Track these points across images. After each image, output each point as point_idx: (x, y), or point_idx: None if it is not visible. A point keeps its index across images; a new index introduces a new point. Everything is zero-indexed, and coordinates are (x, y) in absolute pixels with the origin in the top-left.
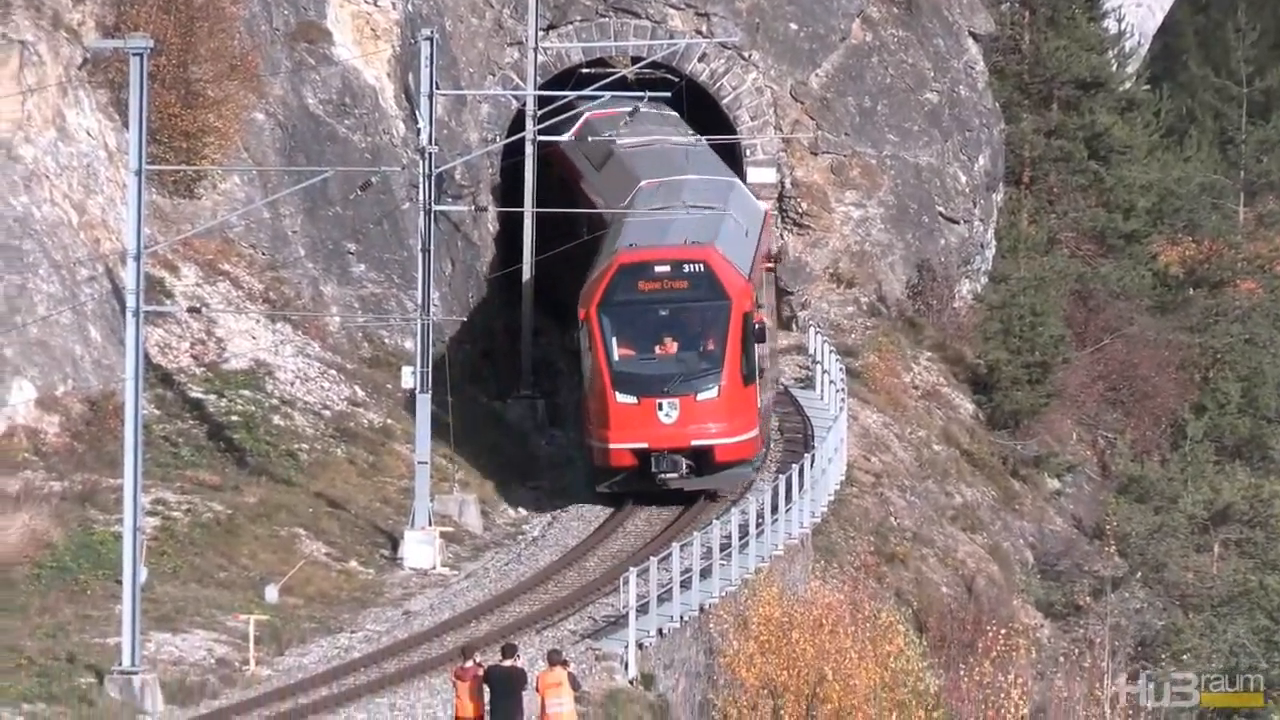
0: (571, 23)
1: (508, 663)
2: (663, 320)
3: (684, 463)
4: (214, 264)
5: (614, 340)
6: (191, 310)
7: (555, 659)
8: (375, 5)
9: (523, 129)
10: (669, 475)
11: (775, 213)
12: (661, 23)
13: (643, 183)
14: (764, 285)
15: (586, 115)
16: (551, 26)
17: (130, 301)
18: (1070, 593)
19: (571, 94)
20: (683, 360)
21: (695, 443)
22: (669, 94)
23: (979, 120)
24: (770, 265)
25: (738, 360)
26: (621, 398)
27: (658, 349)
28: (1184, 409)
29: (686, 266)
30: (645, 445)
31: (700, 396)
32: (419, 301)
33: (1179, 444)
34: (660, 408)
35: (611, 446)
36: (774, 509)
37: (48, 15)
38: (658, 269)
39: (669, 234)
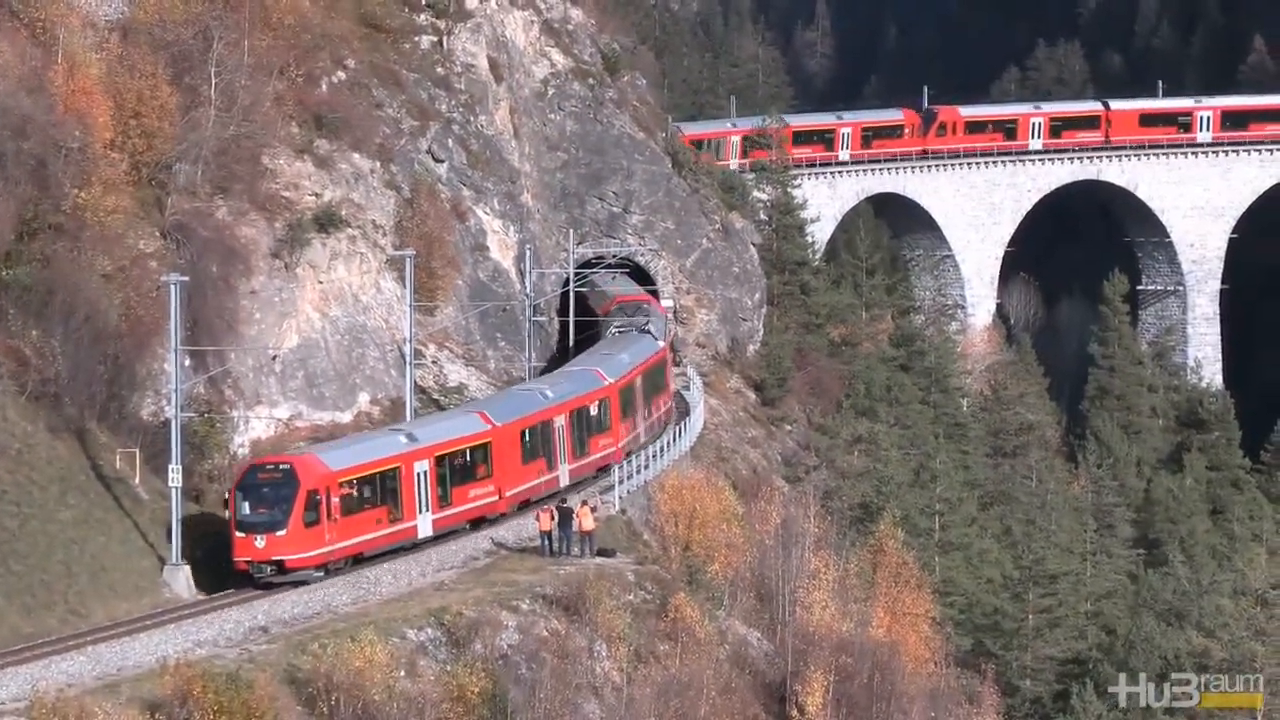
0: (588, 239)
1: (566, 505)
2: (263, 495)
3: (269, 568)
4: (440, 343)
5: (242, 503)
6: (431, 361)
7: (586, 501)
8: (507, 235)
9: (568, 284)
10: (260, 575)
11: (671, 316)
12: (624, 240)
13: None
14: (671, 346)
15: (593, 276)
16: (580, 242)
17: (409, 357)
18: (795, 472)
19: (588, 271)
20: (271, 515)
21: (274, 557)
22: (629, 268)
23: (756, 279)
24: (670, 341)
25: (302, 513)
26: (239, 534)
27: (259, 509)
28: (841, 397)
29: (281, 466)
30: (249, 559)
31: (277, 533)
32: (526, 355)
33: (840, 410)
34: (257, 538)
35: (236, 559)
36: (674, 439)
37: (371, 240)
38: (267, 468)
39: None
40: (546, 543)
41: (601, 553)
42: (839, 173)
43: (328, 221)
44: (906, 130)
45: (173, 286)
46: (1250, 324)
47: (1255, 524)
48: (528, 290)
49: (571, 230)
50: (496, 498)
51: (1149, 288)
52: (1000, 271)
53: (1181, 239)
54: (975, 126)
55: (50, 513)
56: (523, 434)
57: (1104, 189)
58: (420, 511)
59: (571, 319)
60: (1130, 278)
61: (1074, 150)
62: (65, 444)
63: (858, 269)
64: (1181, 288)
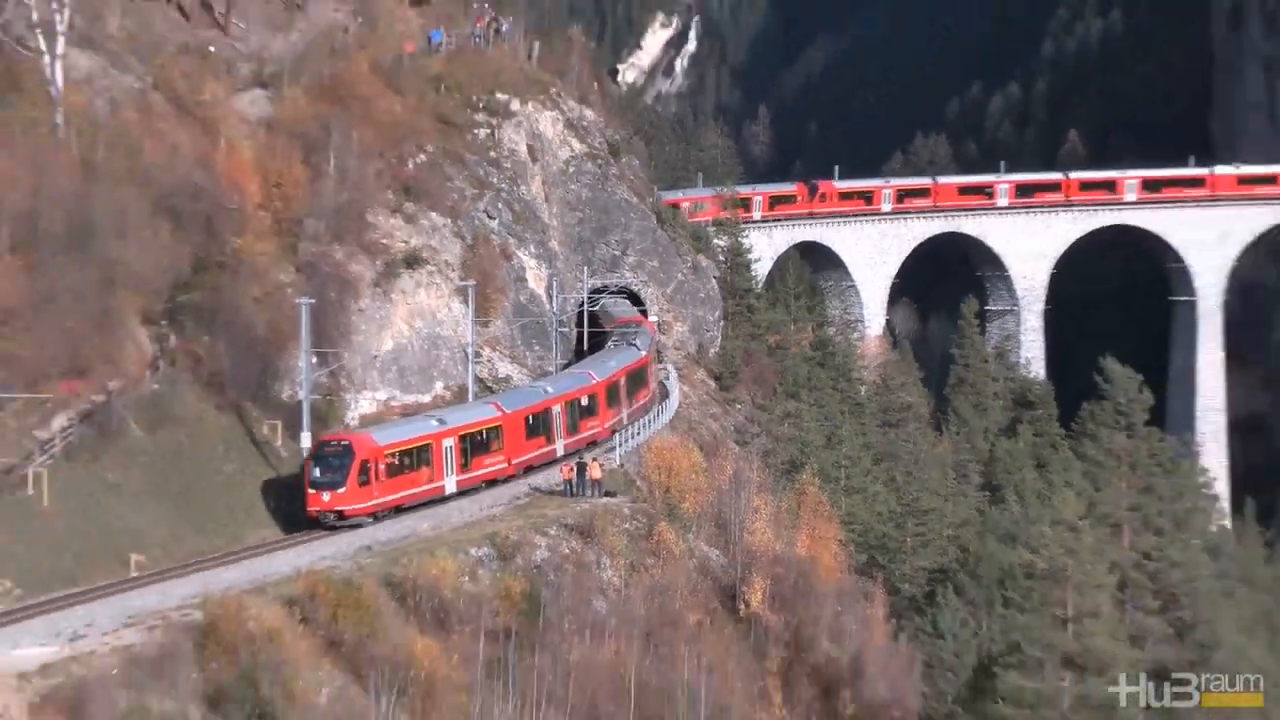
0: (597, 274)
1: (582, 460)
2: (329, 462)
3: (333, 516)
4: (493, 346)
5: (314, 469)
6: (486, 360)
7: (596, 458)
8: (540, 271)
9: (584, 305)
10: (326, 521)
11: (656, 329)
12: (623, 274)
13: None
14: (654, 352)
15: (603, 300)
16: (592, 275)
17: (470, 356)
18: (743, 438)
19: (598, 296)
20: (334, 477)
21: (336, 508)
22: (627, 294)
23: (715, 302)
24: (655, 348)
25: (356, 476)
26: (312, 490)
27: (326, 473)
28: (776, 385)
29: (342, 442)
30: (318, 509)
31: (338, 491)
32: (554, 356)
33: (775, 394)
34: (324, 494)
35: (309, 508)
36: (657, 415)
37: (444, 274)
38: (331, 444)
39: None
40: (568, 488)
41: (607, 494)
42: (774, 226)
43: (413, 261)
44: (798, 198)
45: (304, 307)
46: (1069, 334)
47: (1067, 474)
48: (554, 310)
49: (585, 267)
50: (505, 465)
51: (993, 308)
52: (889, 297)
53: (1017, 274)
54: (845, 195)
55: (218, 466)
56: (527, 419)
57: (963, 239)
58: (447, 475)
59: (585, 330)
60: (980, 301)
61: (948, 209)
62: (228, 418)
63: (788, 295)
64: (1016, 308)
